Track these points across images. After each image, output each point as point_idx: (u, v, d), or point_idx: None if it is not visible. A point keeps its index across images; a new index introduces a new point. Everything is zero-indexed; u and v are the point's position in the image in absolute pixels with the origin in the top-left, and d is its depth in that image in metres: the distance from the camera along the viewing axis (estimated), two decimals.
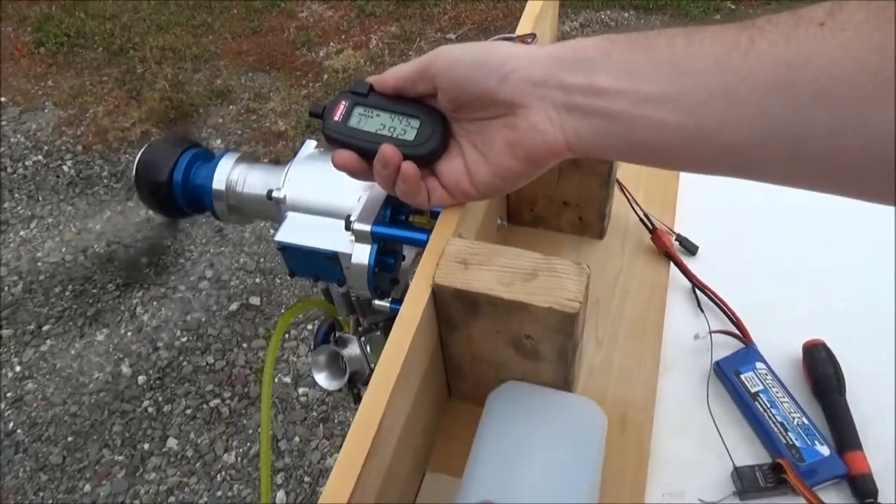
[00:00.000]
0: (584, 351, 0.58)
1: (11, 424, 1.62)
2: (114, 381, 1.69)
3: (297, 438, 1.54)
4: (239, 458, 1.52)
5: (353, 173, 0.47)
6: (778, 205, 0.69)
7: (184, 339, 1.78)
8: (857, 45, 0.31)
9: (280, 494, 1.45)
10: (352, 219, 0.52)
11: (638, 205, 0.67)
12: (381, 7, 2.97)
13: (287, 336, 1.76)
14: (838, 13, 0.32)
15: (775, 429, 0.52)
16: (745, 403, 0.54)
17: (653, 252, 0.65)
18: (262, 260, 1.98)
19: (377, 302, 0.56)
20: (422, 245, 0.48)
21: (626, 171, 0.69)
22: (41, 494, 1.49)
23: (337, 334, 0.62)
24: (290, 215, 0.56)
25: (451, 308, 0.46)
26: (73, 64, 2.83)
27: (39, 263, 2.02)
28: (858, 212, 0.66)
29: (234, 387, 1.66)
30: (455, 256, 0.45)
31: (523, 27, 0.62)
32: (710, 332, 0.59)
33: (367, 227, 0.52)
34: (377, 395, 0.40)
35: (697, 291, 0.62)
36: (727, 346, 0.58)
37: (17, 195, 2.26)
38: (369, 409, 0.39)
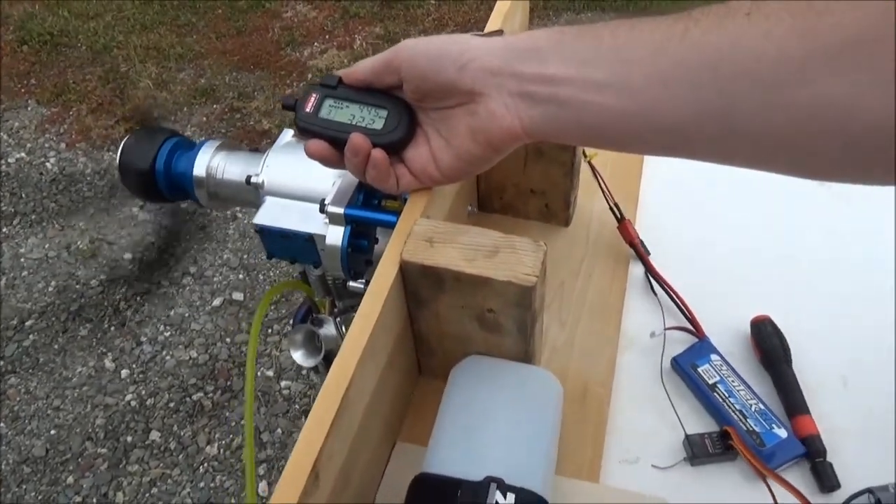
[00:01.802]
0: (549, 330, 0.62)
1: None
2: (97, 375, 1.71)
3: (279, 430, 1.57)
4: (221, 450, 1.54)
5: (325, 162, 0.50)
6: (725, 198, 0.73)
7: (167, 334, 1.79)
8: (777, 32, 0.34)
9: (262, 485, 1.47)
10: (326, 202, 0.55)
11: (610, 194, 0.69)
12: (366, 8, 2.99)
13: (269, 331, 1.78)
14: (762, 4, 0.35)
15: (735, 417, 0.54)
16: (705, 395, 0.56)
17: (615, 240, 0.68)
18: (245, 256, 2.00)
19: (352, 283, 0.59)
20: (392, 226, 0.51)
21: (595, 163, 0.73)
22: (24, 486, 1.50)
23: (314, 315, 0.65)
24: (268, 199, 0.59)
25: (418, 284, 0.49)
26: (57, 62, 2.83)
27: (22, 259, 2.03)
28: (795, 197, 0.72)
29: (216, 380, 1.68)
30: (422, 235, 0.48)
31: (492, 25, 0.65)
32: (665, 329, 0.61)
33: (340, 210, 0.54)
34: (344, 363, 0.43)
35: (654, 282, 0.64)
36: (682, 337, 0.61)
37: None
38: (337, 376, 0.42)
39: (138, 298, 1.89)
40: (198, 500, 1.46)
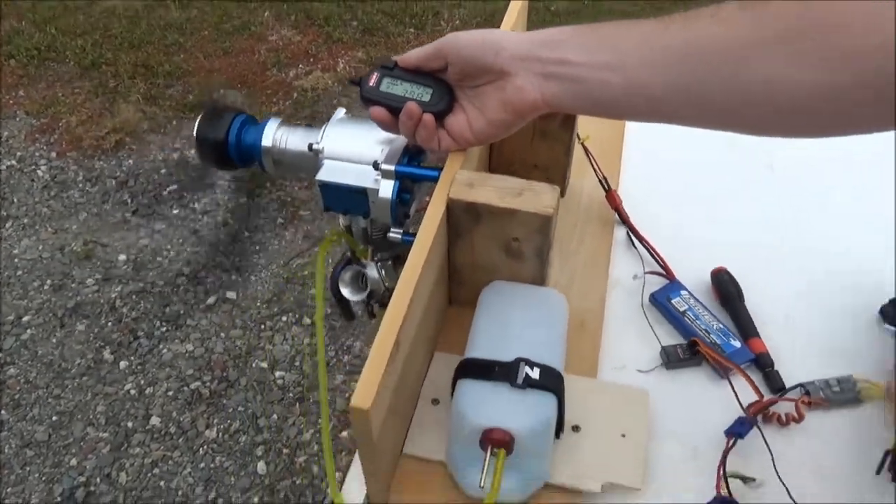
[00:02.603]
0: (551, 275, 0.76)
1: None
2: (96, 367, 1.78)
3: (275, 416, 1.66)
4: (220, 434, 1.63)
5: (383, 124, 0.65)
6: (691, 173, 0.89)
7: (163, 329, 1.88)
8: (734, 25, 0.49)
9: (261, 465, 1.57)
10: (379, 161, 0.68)
11: (599, 168, 0.84)
12: (348, 34, 3.16)
13: (263, 326, 1.88)
14: (723, 7, 0.50)
15: (701, 333, 0.69)
16: (678, 320, 0.71)
17: (602, 208, 0.84)
18: (237, 259, 2.10)
19: (391, 233, 0.72)
20: (434, 180, 0.65)
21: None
22: (27, 468, 1.57)
23: (356, 262, 0.78)
24: (327, 162, 0.72)
25: (460, 218, 0.63)
26: (45, 76, 2.91)
27: (16, 260, 2.09)
28: (747, 172, 0.89)
29: (213, 371, 1.77)
30: (463, 181, 0.62)
31: (507, 23, 0.81)
32: (645, 273, 0.77)
33: (391, 167, 0.68)
34: (408, 278, 0.55)
35: (634, 239, 0.80)
36: (657, 280, 0.76)
37: None
38: (404, 285, 0.55)
39: (134, 296, 1.97)
40: (198, 479, 1.55)
